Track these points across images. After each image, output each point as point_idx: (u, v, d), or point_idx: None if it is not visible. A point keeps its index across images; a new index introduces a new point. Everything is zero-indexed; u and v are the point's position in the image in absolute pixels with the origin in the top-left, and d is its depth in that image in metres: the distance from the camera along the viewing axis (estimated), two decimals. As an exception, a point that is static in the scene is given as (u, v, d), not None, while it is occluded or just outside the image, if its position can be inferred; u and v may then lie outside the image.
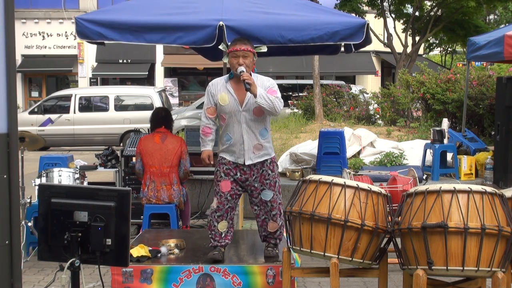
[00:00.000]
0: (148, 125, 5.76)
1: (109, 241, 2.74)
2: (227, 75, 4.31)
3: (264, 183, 4.25)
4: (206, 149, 4.34)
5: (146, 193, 5.37)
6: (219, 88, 4.24)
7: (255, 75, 4.23)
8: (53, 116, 14.58)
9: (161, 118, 5.57)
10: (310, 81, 15.52)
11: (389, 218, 3.56)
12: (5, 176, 2.56)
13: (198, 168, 6.19)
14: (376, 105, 12.78)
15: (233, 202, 4.25)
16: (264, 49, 4.32)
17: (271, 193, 4.26)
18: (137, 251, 4.15)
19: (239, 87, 4.18)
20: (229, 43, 4.29)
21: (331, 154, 7.09)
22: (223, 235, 4.24)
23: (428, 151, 7.52)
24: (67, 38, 23.85)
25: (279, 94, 4.18)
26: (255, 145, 4.20)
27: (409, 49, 17.52)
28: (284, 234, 4.15)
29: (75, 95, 14.85)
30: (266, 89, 4.16)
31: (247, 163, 4.20)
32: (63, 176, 5.53)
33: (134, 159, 6.79)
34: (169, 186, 5.36)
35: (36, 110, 14.85)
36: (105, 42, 5.16)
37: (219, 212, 4.22)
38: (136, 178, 5.69)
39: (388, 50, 18.44)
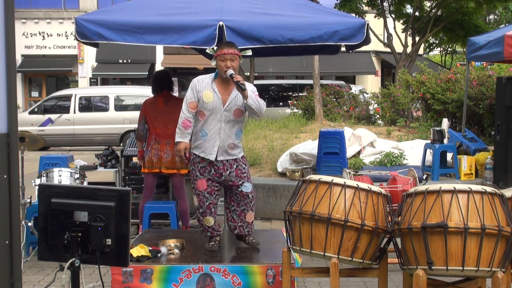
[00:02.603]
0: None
1: (109, 241, 2.74)
2: (212, 74, 4.49)
3: (242, 176, 4.48)
4: (184, 141, 4.44)
5: (149, 152, 5.47)
6: (204, 85, 4.41)
7: None
8: (53, 116, 14.59)
9: (162, 83, 5.68)
10: (310, 81, 15.51)
11: (389, 218, 3.56)
12: (5, 176, 2.56)
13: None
14: (376, 105, 12.76)
15: (213, 198, 4.48)
16: (249, 52, 4.51)
17: (249, 185, 4.53)
18: (137, 251, 4.15)
19: (223, 87, 4.41)
20: (216, 47, 4.46)
21: (331, 154, 7.10)
22: (211, 227, 4.51)
23: (428, 151, 7.52)
24: (67, 38, 23.82)
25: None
26: (229, 144, 4.42)
27: (409, 49, 17.51)
28: (284, 234, 4.16)
29: (75, 95, 14.87)
30: (251, 92, 4.36)
31: (219, 158, 4.40)
32: (63, 176, 5.54)
33: (134, 158, 6.80)
34: (173, 145, 5.43)
35: (36, 110, 14.86)
36: (105, 42, 5.14)
37: (201, 209, 4.50)
38: (138, 139, 5.69)
39: (388, 50, 18.43)
